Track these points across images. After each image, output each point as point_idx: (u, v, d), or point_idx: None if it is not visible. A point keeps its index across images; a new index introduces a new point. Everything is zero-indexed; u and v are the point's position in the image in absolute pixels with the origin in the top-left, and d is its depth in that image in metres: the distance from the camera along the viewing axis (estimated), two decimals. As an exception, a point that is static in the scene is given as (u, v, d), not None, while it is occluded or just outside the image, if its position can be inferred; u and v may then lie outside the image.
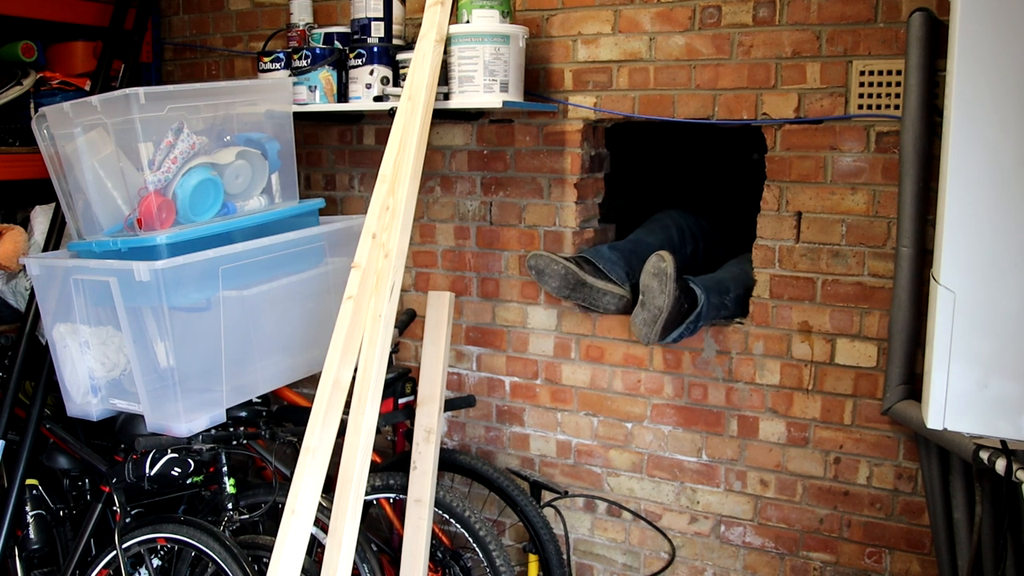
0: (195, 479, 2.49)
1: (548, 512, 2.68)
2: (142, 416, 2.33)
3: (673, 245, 2.74)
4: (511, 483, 2.63)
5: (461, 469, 2.69)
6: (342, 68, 2.68)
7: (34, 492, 2.67)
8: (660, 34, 2.48)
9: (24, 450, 2.63)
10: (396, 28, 2.65)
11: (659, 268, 2.29)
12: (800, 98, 2.32)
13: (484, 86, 2.40)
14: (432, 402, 2.49)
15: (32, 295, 2.72)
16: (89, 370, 2.40)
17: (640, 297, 2.35)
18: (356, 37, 2.64)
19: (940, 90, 2.12)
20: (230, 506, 2.44)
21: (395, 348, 2.73)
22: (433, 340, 2.53)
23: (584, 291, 2.53)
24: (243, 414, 2.52)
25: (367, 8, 2.60)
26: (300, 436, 2.18)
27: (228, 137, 2.47)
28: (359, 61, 2.59)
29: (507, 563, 2.45)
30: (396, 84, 2.58)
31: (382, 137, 2.94)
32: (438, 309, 2.55)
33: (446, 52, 2.41)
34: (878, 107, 2.23)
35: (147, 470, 2.37)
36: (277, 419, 2.67)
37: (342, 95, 2.70)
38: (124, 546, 2.39)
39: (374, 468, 2.54)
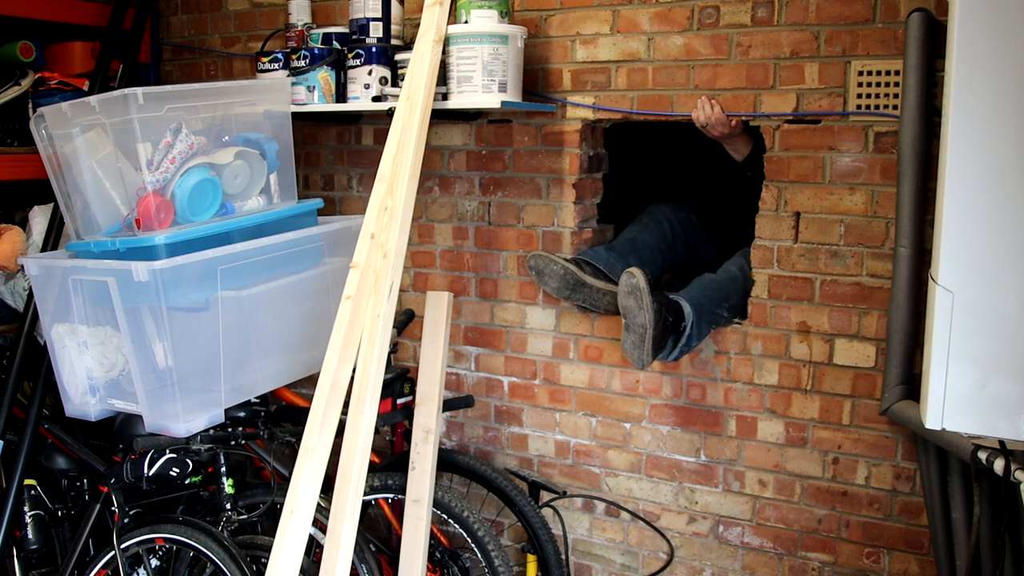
0: (193, 479, 2.49)
1: (546, 512, 2.68)
2: (140, 416, 2.33)
3: (667, 241, 2.76)
4: (509, 483, 2.63)
5: (459, 469, 2.69)
6: (340, 68, 2.68)
7: (32, 492, 2.67)
8: (659, 34, 2.48)
9: (22, 450, 2.63)
10: (395, 28, 2.65)
11: (631, 285, 2.26)
12: (798, 98, 2.32)
13: (483, 86, 2.40)
14: (430, 402, 2.49)
15: (30, 295, 2.72)
16: (87, 370, 2.40)
17: (623, 321, 2.32)
18: (355, 37, 2.64)
19: (939, 90, 2.12)
20: (228, 506, 2.44)
21: (394, 348, 2.73)
22: (431, 340, 2.53)
23: (584, 291, 2.53)
24: (242, 414, 2.51)
25: (365, 8, 2.60)
26: (298, 436, 2.18)
27: (226, 137, 2.47)
28: (357, 61, 2.59)
29: (505, 563, 2.45)
30: (395, 84, 2.58)
31: (380, 137, 2.94)
32: (436, 309, 2.55)
33: (445, 52, 2.40)
34: (876, 107, 2.23)
35: (145, 470, 2.37)
36: (276, 419, 2.66)
37: (340, 95, 2.69)
38: (122, 546, 2.39)
39: (373, 468, 2.54)
